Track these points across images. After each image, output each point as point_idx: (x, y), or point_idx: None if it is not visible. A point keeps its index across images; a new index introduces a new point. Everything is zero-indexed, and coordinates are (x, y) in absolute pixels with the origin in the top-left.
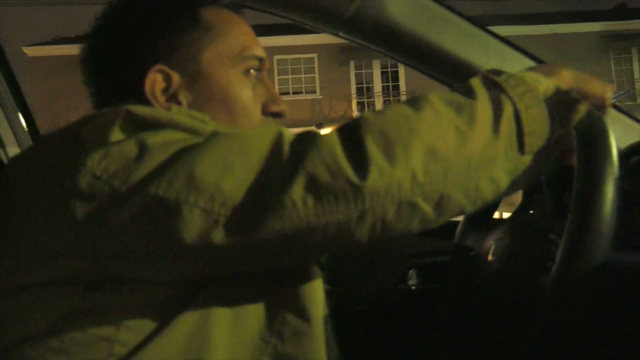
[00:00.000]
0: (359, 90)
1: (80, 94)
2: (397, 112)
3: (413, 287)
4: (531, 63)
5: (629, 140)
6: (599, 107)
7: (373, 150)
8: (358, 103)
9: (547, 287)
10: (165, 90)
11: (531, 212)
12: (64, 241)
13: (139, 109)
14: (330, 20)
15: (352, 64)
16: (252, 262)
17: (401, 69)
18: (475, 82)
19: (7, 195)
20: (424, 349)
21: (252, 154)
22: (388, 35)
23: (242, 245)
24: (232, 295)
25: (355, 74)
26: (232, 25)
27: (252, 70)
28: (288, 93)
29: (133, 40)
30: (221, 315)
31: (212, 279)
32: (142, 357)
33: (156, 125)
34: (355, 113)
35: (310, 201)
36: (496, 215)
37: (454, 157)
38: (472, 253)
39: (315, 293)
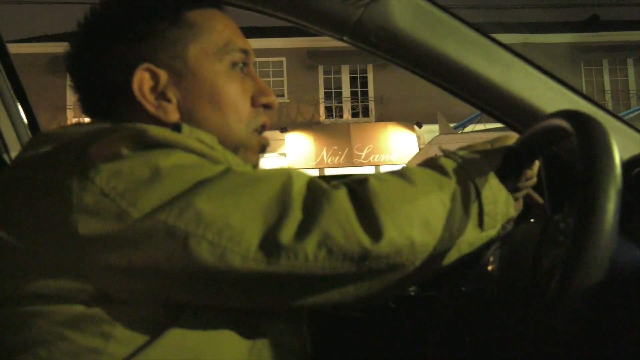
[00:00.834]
0: (328, 95)
1: (38, 93)
2: (397, 184)
3: (412, 294)
4: (534, 72)
5: (632, 151)
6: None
7: (383, 218)
8: (326, 108)
9: (547, 299)
10: (153, 89)
11: (532, 220)
12: (63, 255)
13: (151, 129)
14: (335, 26)
15: (320, 68)
16: (246, 298)
17: (370, 75)
18: (445, 162)
19: (6, 202)
20: (421, 357)
21: (263, 192)
22: (392, 41)
23: (244, 279)
24: (217, 318)
25: (324, 78)
26: (214, 20)
27: (239, 64)
28: None
29: (117, 41)
30: (206, 335)
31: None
32: None
33: (167, 146)
34: (323, 118)
35: (322, 255)
36: None
37: (441, 230)
38: (471, 262)
39: (298, 326)
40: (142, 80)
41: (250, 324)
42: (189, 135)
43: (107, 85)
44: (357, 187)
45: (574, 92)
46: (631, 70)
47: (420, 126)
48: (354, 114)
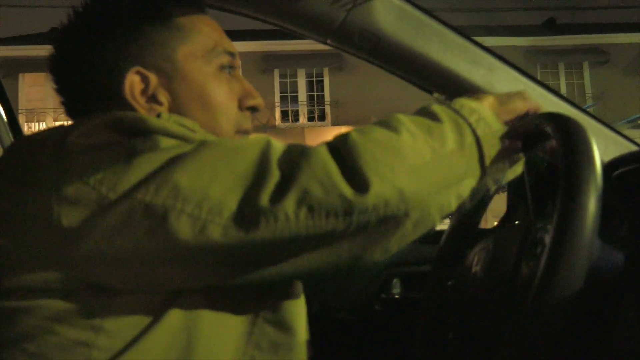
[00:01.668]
0: (283, 99)
1: None
2: (380, 134)
3: (396, 296)
4: (517, 75)
5: (613, 153)
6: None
7: (365, 169)
8: (282, 112)
9: (529, 300)
10: (144, 92)
11: (516, 222)
12: (47, 247)
13: (127, 115)
14: (319, 28)
15: (276, 72)
16: (235, 272)
17: (326, 79)
18: (437, 108)
19: None
20: (406, 358)
21: (239, 162)
22: (375, 43)
23: (230, 250)
24: (210, 305)
25: (280, 82)
26: (202, 23)
27: (226, 67)
28: None
29: (106, 44)
30: (200, 324)
31: (191, 288)
32: None
33: (145, 131)
34: (279, 122)
35: (303, 214)
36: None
37: (433, 176)
38: (454, 263)
39: (296, 304)
40: (132, 83)
41: (247, 305)
42: (168, 119)
43: (96, 87)
44: (338, 142)
45: (557, 95)
46: (587, 74)
47: None
48: (310, 118)
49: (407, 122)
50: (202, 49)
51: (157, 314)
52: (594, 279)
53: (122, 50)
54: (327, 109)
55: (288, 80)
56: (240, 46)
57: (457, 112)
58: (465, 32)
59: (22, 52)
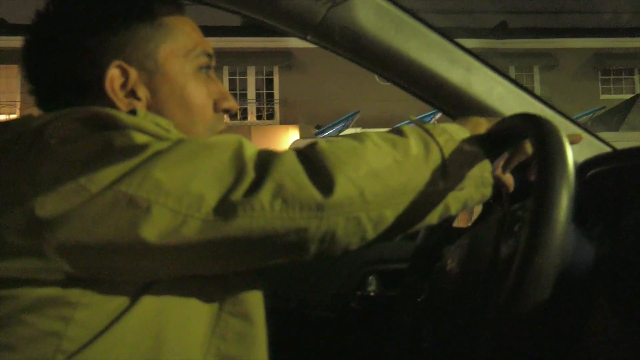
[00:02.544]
0: (232, 97)
1: None
2: (345, 143)
3: (372, 294)
4: (494, 75)
5: (587, 154)
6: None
7: (331, 171)
8: None
9: (508, 283)
10: (123, 86)
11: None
12: (24, 235)
13: (104, 111)
14: (299, 25)
15: (226, 69)
16: (214, 263)
17: (276, 77)
18: (407, 127)
19: None
20: (383, 357)
21: (216, 159)
22: (355, 41)
23: (208, 243)
24: (178, 296)
25: (229, 79)
26: (183, 23)
27: (204, 67)
28: None
29: (90, 36)
30: (169, 315)
31: (159, 279)
32: (91, 353)
33: (122, 127)
34: (226, 119)
35: (278, 205)
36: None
37: (393, 182)
38: (432, 260)
39: (257, 297)
40: (113, 76)
41: (212, 297)
42: (144, 117)
43: (73, 78)
44: (306, 148)
45: (534, 97)
46: (537, 77)
47: (319, 129)
48: (259, 117)
49: (373, 136)
50: (184, 48)
51: (128, 304)
52: (569, 276)
53: (105, 43)
54: (276, 107)
55: (237, 77)
56: None
57: (427, 131)
58: (444, 32)
59: None
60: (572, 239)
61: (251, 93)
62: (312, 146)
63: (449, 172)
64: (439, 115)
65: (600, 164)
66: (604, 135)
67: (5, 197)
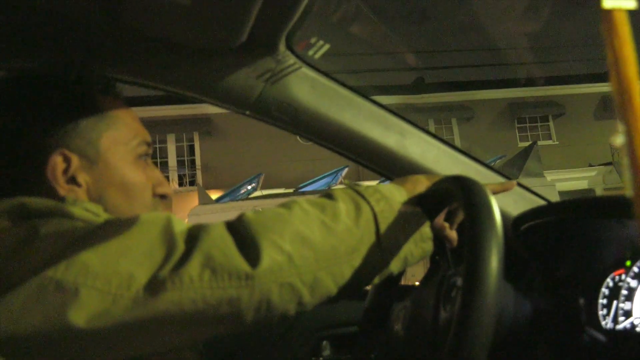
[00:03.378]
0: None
1: None
2: (272, 211)
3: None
4: (427, 137)
5: (522, 208)
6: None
7: (256, 236)
8: None
9: (446, 352)
10: (64, 172)
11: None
12: None
13: (31, 200)
14: (238, 101)
15: None
16: (151, 341)
17: (197, 143)
18: (337, 190)
19: None
20: None
21: (145, 236)
22: (292, 114)
23: (140, 321)
24: None
25: None
26: (124, 112)
27: (144, 155)
28: None
29: (34, 125)
30: None
31: None
32: None
33: (48, 214)
34: None
35: (206, 276)
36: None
37: (322, 245)
38: (379, 323)
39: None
40: (55, 163)
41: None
42: (72, 204)
43: (12, 164)
44: (234, 221)
45: (466, 155)
46: (456, 130)
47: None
48: (181, 183)
49: (302, 201)
50: (125, 137)
51: None
52: (510, 329)
53: (48, 131)
54: (198, 174)
55: (157, 145)
56: None
57: (358, 192)
58: (378, 102)
59: None
60: (511, 295)
61: (172, 160)
62: (239, 217)
63: (383, 231)
64: (345, 170)
65: (533, 218)
66: None
67: None
